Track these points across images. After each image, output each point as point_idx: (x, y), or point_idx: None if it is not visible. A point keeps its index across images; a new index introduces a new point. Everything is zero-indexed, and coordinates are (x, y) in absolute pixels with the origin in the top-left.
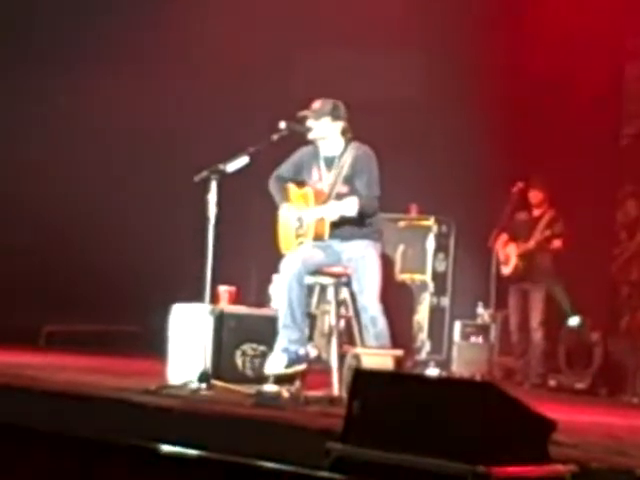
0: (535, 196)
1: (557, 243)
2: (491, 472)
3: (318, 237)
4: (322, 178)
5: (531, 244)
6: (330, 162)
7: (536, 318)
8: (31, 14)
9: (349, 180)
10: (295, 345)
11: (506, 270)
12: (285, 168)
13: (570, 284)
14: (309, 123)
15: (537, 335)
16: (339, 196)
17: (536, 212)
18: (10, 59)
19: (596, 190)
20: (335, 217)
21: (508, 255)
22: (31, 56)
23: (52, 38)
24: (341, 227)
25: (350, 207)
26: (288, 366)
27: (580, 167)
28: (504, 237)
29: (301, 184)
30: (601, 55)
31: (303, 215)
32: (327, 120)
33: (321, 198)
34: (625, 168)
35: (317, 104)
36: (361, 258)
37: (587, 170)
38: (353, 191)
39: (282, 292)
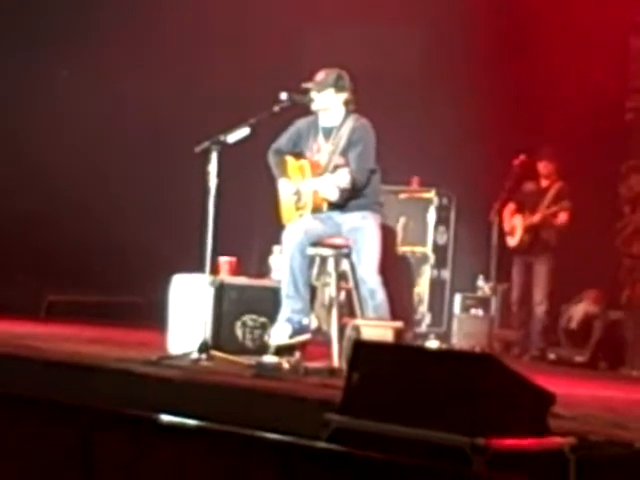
0: (545, 167)
1: (563, 217)
2: (490, 444)
3: (317, 209)
4: (320, 149)
5: (536, 218)
6: (328, 133)
7: (540, 292)
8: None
9: (345, 152)
10: (298, 315)
11: (512, 241)
12: (283, 141)
13: (573, 257)
14: (312, 95)
15: (540, 309)
16: (336, 167)
17: (544, 183)
18: (12, 38)
19: (600, 164)
20: (328, 190)
21: (514, 226)
22: (33, 32)
23: (52, 17)
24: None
25: (342, 179)
26: (292, 336)
27: (584, 141)
28: (511, 207)
29: (299, 156)
30: (606, 28)
31: (300, 187)
32: (331, 92)
33: (318, 170)
34: (629, 142)
35: (321, 75)
36: (360, 229)
37: (591, 144)
38: (348, 163)
39: (285, 262)
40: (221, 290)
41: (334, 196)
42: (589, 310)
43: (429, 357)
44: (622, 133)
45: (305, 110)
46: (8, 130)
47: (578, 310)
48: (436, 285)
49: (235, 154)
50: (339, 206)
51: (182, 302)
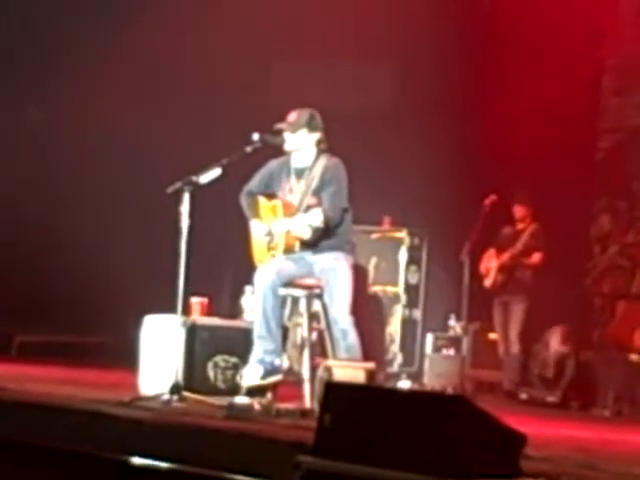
0: (518, 210)
1: (537, 257)
2: None
3: (289, 250)
4: (292, 189)
5: (505, 257)
6: (300, 173)
7: (514, 330)
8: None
9: (318, 192)
10: (270, 356)
11: (487, 282)
12: (255, 182)
13: (545, 297)
14: (286, 136)
15: (515, 348)
16: (308, 207)
17: (520, 226)
18: None
19: (571, 204)
20: (301, 229)
21: (489, 268)
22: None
23: (22, 48)
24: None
25: (315, 218)
26: (264, 377)
27: (556, 180)
28: (491, 251)
29: (271, 196)
30: (578, 69)
31: (272, 228)
32: (304, 132)
33: (290, 210)
34: (600, 182)
35: (293, 116)
36: (332, 270)
37: (563, 184)
38: (321, 203)
39: (257, 303)
40: (193, 331)
41: (307, 235)
42: (560, 350)
43: (401, 399)
44: (593, 173)
45: (277, 150)
46: None
47: (550, 355)
48: (408, 325)
49: (207, 195)
50: (311, 246)
51: (154, 343)
